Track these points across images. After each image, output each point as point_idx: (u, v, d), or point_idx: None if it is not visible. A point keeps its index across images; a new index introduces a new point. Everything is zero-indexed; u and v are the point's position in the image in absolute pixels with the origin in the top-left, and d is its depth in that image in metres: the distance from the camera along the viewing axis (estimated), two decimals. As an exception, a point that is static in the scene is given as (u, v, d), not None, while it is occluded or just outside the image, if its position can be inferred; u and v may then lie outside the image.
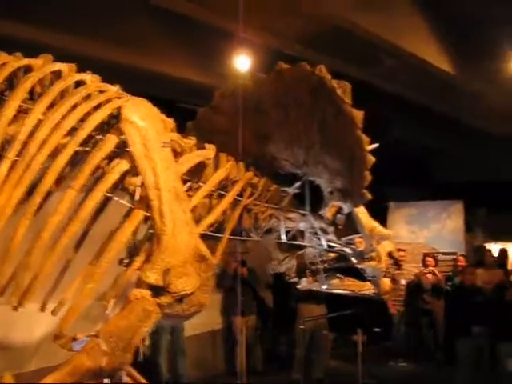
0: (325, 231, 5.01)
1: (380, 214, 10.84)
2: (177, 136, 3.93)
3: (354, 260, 4.94)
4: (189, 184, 4.03)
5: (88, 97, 3.56)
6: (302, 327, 9.15)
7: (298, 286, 5.34)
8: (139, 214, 3.51)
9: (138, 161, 3.46)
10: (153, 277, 3.45)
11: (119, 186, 3.64)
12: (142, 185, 3.50)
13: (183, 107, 7.95)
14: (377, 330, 10.62)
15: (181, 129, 4.23)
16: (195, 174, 4.07)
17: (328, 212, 5.04)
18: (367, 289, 5.25)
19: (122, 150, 3.53)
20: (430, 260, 10.25)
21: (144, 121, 3.55)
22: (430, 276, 10.16)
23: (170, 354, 8.79)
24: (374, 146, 5.98)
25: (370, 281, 5.06)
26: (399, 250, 10.41)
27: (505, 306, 7.60)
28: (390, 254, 5.53)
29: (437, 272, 10.21)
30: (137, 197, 3.59)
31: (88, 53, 6.80)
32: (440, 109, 9.31)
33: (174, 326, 8.88)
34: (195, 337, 9.57)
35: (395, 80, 8.37)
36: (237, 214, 4.23)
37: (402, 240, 11.25)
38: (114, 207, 3.76)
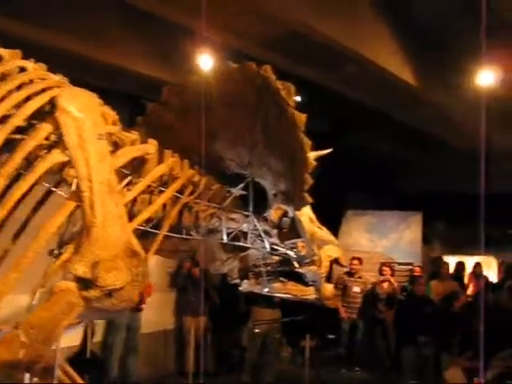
0: (268, 234, 5.03)
1: (338, 221, 11.03)
2: (117, 129, 3.93)
3: (295, 264, 4.96)
4: (129, 178, 4.04)
5: (26, 84, 3.54)
6: (256, 331, 9.20)
7: (240, 288, 5.34)
8: (70, 205, 3.50)
9: (72, 151, 3.45)
10: (81, 269, 3.44)
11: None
12: (77, 176, 3.49)
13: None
14: (330, 336, 10.74)
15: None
16: (137, 169, 4.09)
17: (273, 214, 5.07)
18: (309, 294, 5.28)
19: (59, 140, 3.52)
20: (386, 269, 10.40)
21: (81, 111, 3.52)
22: (385, 285, 10.30)
23: (122, 351, 8.76)
24: (327, 151, 6.08)
25: (311, 286, 5.09)
26: (354, 258, 10.57)
27: (451, 316, 7.74)
28: (336, 261, 5.60)
29: (393, 281, 10.35)
30: (73, 188, 3.58)
31: (48, 43, 6.76)
32: (402, 118, 9.44)
33: (131, 323, 8.86)
34: (148, 335, 9.56)
35: (355, 86, 8.47)
36: (175, 211, 4.24)
37: (361, 248, 11.37)
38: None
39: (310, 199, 4.37)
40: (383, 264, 10.59)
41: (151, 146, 4.11)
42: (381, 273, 10.49)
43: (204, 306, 9.57)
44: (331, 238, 5.58)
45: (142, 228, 4.12)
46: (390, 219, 11.55)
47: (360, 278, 10.63)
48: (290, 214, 4.97)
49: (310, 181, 4.17)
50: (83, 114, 3.53)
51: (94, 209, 3.45)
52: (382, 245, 11.51)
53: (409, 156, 11.09)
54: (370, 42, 7.40)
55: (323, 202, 9.49)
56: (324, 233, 5.48)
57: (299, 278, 5.38)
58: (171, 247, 5.17)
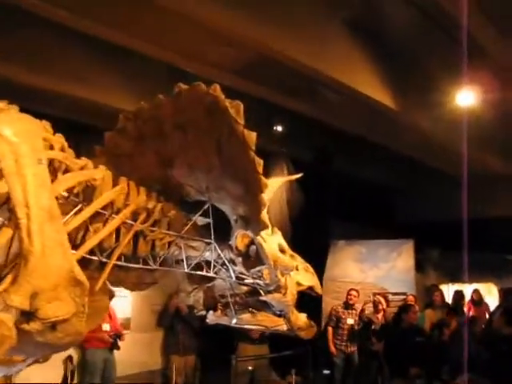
0: (233, 262, 4.90)
1: (324, 251, 10.88)
2: (62, 155, 3.87)
3: (262, 293, 4.82)
4: (80, 206, 3.95)
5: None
6: (249, 368, 8.99)
7: (207, 320, 5.19)
8: (7, 233, 3.40)
9: (7, 177, 3.37)
10: (17, 300, 3.31)
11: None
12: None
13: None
14: (325, 371, 10.48)
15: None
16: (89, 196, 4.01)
17: (239, 242, 4.94)
18: (281, 324, 5.13)
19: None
20: (379, 300, 10.18)
21: (17, 136, 3.46)
22: (380, 316, 10.08)
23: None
24: (296, 176, 6.01)
25: (279, 316, 4.94)
26: (353, 289, 10.37)
27: (442, 345, 7.52)
28: (310, 289, 5.44)
29: (386, 312, 10.13)
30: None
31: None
32: (384, 143, 9.37)
33: (106, 366, 8.65)
34: (134, 375, 9.35)
35: (334, 112, 8.45)
36: (126, 240, 4.12)
37: (352, 279, 11.18)
38: None
39: (267, 222, 4.24)
40: (376, 294, 10.39)
41: (98, 172, 4.04)
42: (374, 304, 10.28)
43: (192, 344, 9.35)
44: (305, 265, 5.44)
45: (94, 258, 4.02)
46: (381, 248, 11.38)
47: (354, 310, 10.41)
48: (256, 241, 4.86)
49: (264, 202, 4.07)
50: (20, 138, 3.47)
51: (31, 236, 3.34)
52: (373, 275, 11.31)
53: (395, 183, 10.98)
54: (343, 65, 7.39)
55: (308, 232, 9.47)
56: (297, 260, 5.35)
57: (270, 308, 5.25)
58: (134, 279, 5.05)
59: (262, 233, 4.79)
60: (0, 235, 3.39)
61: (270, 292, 4.78)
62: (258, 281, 4.95)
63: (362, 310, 10.22)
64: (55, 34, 6.55)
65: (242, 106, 3.88)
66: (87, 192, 4.07)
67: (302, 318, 5.17)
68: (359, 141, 9.24)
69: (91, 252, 4.15)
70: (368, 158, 9.88)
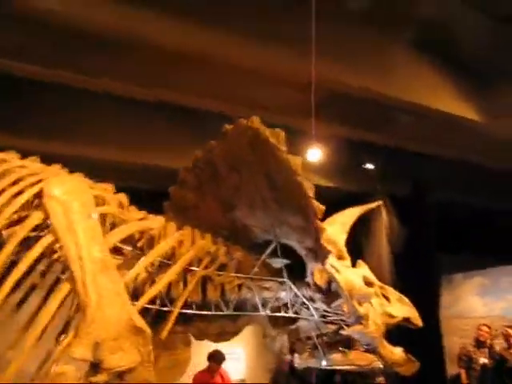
0: (312, 300, 4.73)
1: (434, 286, 10.19)
2: (115, 209, 4.02)
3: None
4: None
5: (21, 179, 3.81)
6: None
7: (295, 365, 4.99)
8: (64, 288, 3.53)
9: (59, 233, 3.54)
10: (78, 352, 3.40)
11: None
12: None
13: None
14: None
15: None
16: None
17: (318, 279, 4.79)
18: (376, 361, 4.81)
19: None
20: (510, 333, 9.30)
21: (67, 194, 3.66)
22: (515, 353, 9.18)
23: None
24: (376, 203, 5.77)
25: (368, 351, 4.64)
26: (484, 325, 9.59)
27: None
28: (407, 320, 5.11)
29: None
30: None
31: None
32: (483, 163, 8.80)
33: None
34: None
35: (421, 139, 8.12)
36: (190, 286, 4.12)
37: (477, 314, 10.36)
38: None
39: (329, 249, 4.07)
40: (506, 327, 9.50)
41: (155, 222, 4.14)
42: (505, 338, 9.40)
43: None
44: (398, 296, 5.13)
45: (154, 307, 4.05)
46: (503, 276, 10.50)
47: (487, 347, 9.58)
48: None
49: (322, 227, 3.92)
50: (69, 196, 3.66)
51: (86, 288, 3.45)
52: (498, 307, 10.41)
53: (502, 205, 10.17)
54: (417, 86, 7.14)
55: (416, 269, 8.98)
56: (387, 292, 5.07)
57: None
58: (217, 330, 5.02)
59: (337, 264, 4.62)
60: (58, 292, 3.53)
61: (348, 325, 4.52)
62: (341, 317, 4.74)
63: (491, 347, 9.40)
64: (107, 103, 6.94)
65: (282, 133, 3.85)
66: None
67: (397, 352, 4.81)
68: (454, 163, 8.77)
69: (162, 304, 4.22)
70: (467, 180, 9.31)
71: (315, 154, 8.23)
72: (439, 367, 9.85)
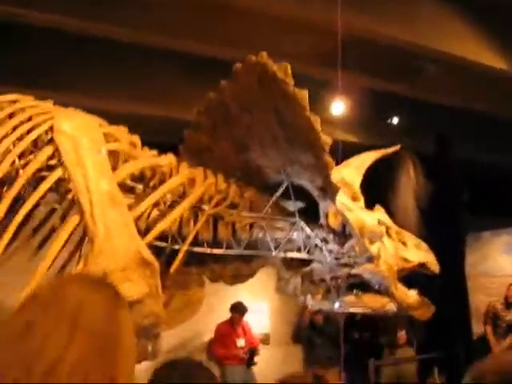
0: (325, 241, 4.73)
1: (460, 245, 10.03)
2: (126, 147, 4.06)
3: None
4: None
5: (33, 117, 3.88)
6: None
7: (308, 308, 5.01)
8: (73, 220, 3.60)
9: (69, 167, 3.61)
10: (87, 282, 3.47)
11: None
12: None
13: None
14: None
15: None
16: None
17: (333, 221, 4.77)
18: (389, 304, 4.80)
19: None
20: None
21: (77, 130, 3.72)
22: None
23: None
24: (394, 148, 5.68)
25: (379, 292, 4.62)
26: (512, 284, 9.44)
27: None
28: (422, 266, 5.06)
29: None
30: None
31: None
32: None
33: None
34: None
35: (447, 91, 7.90)
36: (200, 223, 4.15)
37: (503, 272, 10.20)
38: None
39: (338, 184, 4.04)
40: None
41: (164, 159, 4.16)
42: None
43: (331, 356, 9.07)
44: (416, 241, 5.08)
45: (166, 245, 4.11)
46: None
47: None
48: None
49: (330, 162, 3.89)
50: (79, 131, 3.71)
51: (94, 220, 3.52)
52: (528, 266, 10.24)
53: None
54: (445, 36, 6.93)
55: (442, 226, 8.84)
56: (404, 236, 5.02)
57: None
58: (232, 272, 5.08)
59: (350, 203, 4.57)
60: (67, 224, 3.61)
61: (359, 264, 4.50)
62: (355, 259, 4.72)
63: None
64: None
65: (288, 66, 3.80)
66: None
67: (411, 295, 4.78)
68: (482, 118, 8.54)
69: (174, 242, 4.27)
70: (496, 137, 9.06)
71: (339, 107, 8.13)
72: (465, 324, 9.79)
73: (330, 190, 4.19)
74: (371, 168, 5.37)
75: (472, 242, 10.49)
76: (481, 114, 8.57)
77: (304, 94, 3.78)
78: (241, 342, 8.56)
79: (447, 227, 9.22)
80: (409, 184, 9.79)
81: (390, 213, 5.26)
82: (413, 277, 5.12)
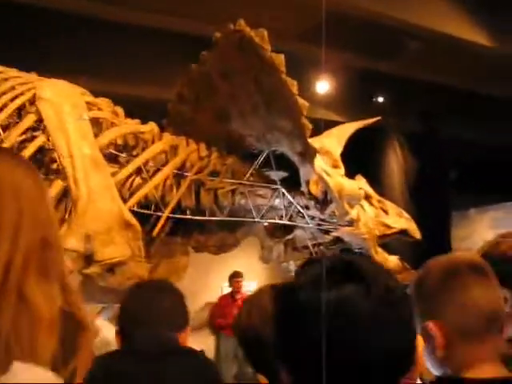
0: (306, 207, 4.83)
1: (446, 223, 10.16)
2: (107, 114, 4.15)
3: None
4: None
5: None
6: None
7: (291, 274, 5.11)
8: (57, 185, 3.69)
9: (51, 133, 3.69)
10: (71, 242, 3.57)
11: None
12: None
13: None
14: None
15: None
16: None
17: (314, 189, 4.88)
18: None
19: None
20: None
21: (59, 97, 3.80)
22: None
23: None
24: (374, 119, 5.79)
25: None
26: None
27: None
28: (404, 232, 5.18)
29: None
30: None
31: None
32: (499, 95, 8.60)
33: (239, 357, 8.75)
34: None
35: (432, 68, 7.96)
36: (181, 190, 4.24)
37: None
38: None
39: (315, 147, 4.13)
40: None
41: (146, 126, 4.25)
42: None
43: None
44: (398, 210, 5.20)
45: (149, 212, 4.20)
46: (518, 210, 10.43)
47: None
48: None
49: (308, 125, 3.97)
50: (61, 98, 3.80)
51: (77, 183, 3.61)
52: (513, 239, 10.33)
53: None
54: (426, 9, 7.01)
55: (427, 203, 8.94)
56: (386, 205, 5.15)
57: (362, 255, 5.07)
58: (216, 242, 5.18)
59: (330, 170, 4.68)
60: (52, 187, 3.69)
61: (339, 226, 4.61)
62: (334, 221, 4.84)
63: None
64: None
65: (265, 32, 3.88)
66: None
67: (392, 259, 4.90)
68: (466, 95, 8.61)
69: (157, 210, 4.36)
70: (482, 114, 9.14)
71: (322, 85, 8.21)
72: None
73: (308, 154, 4.28)
74: (357, 147, 5.50)
75: (459, 220, 10.62)
76: (466, 91, 8.64)
77: (281, 59, 3.86)
78: (239, 313, 8.61)
79: (433, 205, 9.33)
80: (395, 162, 9.93)
81: (376, 191, 5.38)
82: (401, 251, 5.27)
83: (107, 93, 5.14)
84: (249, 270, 9.28)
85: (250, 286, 9.73)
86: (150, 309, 1.66)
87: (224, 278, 9.10)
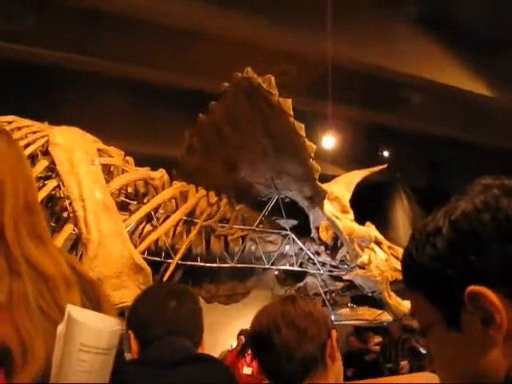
0: (317, 253, 4.80)
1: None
2: (119, 161, 4.19)
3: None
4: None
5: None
6: None
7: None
8: (67, 228, 3.70)
9: (63, 177, 3.73)
10: (81, 287, 3.52)
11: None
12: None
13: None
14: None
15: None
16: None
17: (324, 235, 4.86)
18: (383, 314, 4.84)
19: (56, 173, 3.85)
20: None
21: (70, 142, 3.86)
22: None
23: None
24: (381, 167, 5.82)
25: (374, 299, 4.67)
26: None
27: None
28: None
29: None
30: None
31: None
32: (501, 144, 8.67)
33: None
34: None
35: (434, 118, 8.08)
36: (192, 235, 4.24)
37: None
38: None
39: (324, 187, 4.14)
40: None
41: (156, 172, 4.29)
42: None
43: None
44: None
45: (159, 259, 4.17)
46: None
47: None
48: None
49: (316, 166, 4.00)
50: (73, 144, 3.86)
51: (88, 226, 3.61)
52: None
53: None
54: (425, 63, 7.16)
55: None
56: (396, 251, 5.10)
57: (375, 302, 5.00)
58: (226, 292, 5.12)
59: (339, 214, 4.68)
60: (62, 232, 3.69)
61: (350, 270, 4.56)
62: (345, 268, 4.79)
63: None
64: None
65: (272, 78, 3.97)
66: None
67: (406, 304, 4.82)
68: (472, 146, 8.69)
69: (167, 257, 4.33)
70: (486, 165, 9.17)
71: (327, 140, 8.30)
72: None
73: (317, 197, 4.29)
74: (366, 201, 5.53)
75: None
76: (470, 143, 8.73)
77: (288, 103, 3.93)
78: (247, 370, 8.40)
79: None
80: (403, 215, 9.90)
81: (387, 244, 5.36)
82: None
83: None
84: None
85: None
86: (170, 314, 1.63)
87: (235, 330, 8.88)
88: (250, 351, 8.57)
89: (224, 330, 8.79)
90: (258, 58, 6.81)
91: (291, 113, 3.93)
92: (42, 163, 3.83)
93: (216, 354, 9.28)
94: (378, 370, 8.60)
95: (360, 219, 5.01)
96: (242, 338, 8.63)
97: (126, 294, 3.66)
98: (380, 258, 4.61)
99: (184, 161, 5.18)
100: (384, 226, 9.68)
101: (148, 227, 4.33)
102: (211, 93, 6.56)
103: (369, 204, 6.30)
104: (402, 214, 9.66)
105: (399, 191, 9.72)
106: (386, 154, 9.13)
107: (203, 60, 6.54)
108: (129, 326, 1.66)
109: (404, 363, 8.60)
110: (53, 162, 3.81)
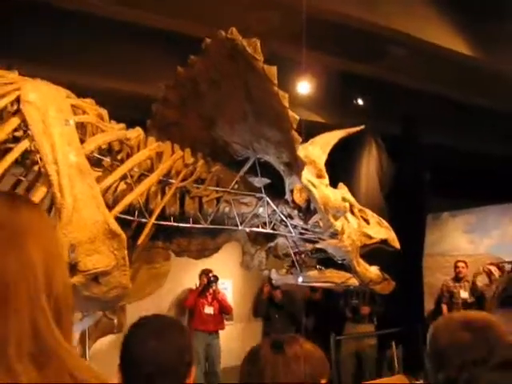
0: (290, 216, 4.81)
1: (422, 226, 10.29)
2: (94, 119, 4.04)
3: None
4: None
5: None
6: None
7: (273, 282, 5.11)
8: (40, 191, 3.58)
9: (36, 137, 3.58)
10: (54, 252, 3.46)
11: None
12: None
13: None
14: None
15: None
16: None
17: (298, 198, 4.85)
18: (351, 279, 4.93)
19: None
20: (490, 270, 9.45)
21: (43, 100, 3.68)
22: (494, 288, 9.37)
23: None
24: (358, 128, 5.78)
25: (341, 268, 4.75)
26: (459, 261, 9.83)
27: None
28: (384, 242, 5.19)
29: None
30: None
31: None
32: (477, 102, 8.70)
33: (209, 352, 8.74)
34: (232, 369, 9.39)
35: (416, 74, 8.01)
36: (167, 197, 4.17)
37: (461, 252, 10.53)
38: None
39: (304, 160, 4.11)
40: (491, 265, 9.65)
41: (132, 132, 4.16)
42: (489, 275, 9.55)
43: (291, 331, 9.24)
44: (378, 219, 5.21)
45: (133, 219, 4.11)
46: (491, 215, 10.59)
47: (467, 282, 9.77)
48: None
49: (297, 138, 3.94)
50: (46, 102, 3.68)
51: (62, 190, 3.51)
52: (484, 245, 10.55)
53: (496, 148, 10.02)
54: (411, 19, 7.02)
55: (404, 207, 9.05)
56: (367, 214, 5.14)
57: (342, 265, 5.08)
58: (197, 247, 5.12)
59: (315, 180, 4.66)
60: (34, 195, 3.58)
61: (323, 239, 4.61)
62: (318, 235, 4.82)
63: (474, 283, 9.57)
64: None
65: (258, 42, 3.82)
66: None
67: (372, 270, 4.92)
68: (446, 101, 8.70)
69: (141, 216, 4.27)
70: (457, 120, 9.26)
71: (304, 86, 8.17)
72: (419, 302, 10.11)
73: (295, 166, 4.25)
74: (335, 148, 5.49)
75: (432, 222, 10.77)
76: (445, 98, 8.72)
77: (273, 70, 3.81)
78: (209, 310, 8.62)
79: (409, 207, 9.44)
80: (372, 164, 9.99)
81: (353, 192, 5.39)
82: (374, 254, 5.28)
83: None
84: (224, 270, 9.28)
85: (225, 285, 9.75)
86: (154, 357, 1.61)
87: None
88: (211, 291, 8.78)
89: (188, 269, 8.90)
90: (239, 4, 6.58)
91: (275, 81, 3.82)
92: (13, 121, 3.65)
93: (179, 293, 9.46)
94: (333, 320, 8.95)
95: (330, 167, 5.00)
96: (204, 277, 8.77)
97: (99, 259, 3.63)
98: (352, 227, 4.65)
99: (159, 112, 5.04)
100: (352, 173, 9.83)
101: (122, 185, 4.24)
102: (190, 36, 6.40)
103: (339, 151, 6.27)
104: (371, 162, 9.72)
105: (370, 140, 9.74)
106: (360, 102, 9.08)
107: (185, 3, 6.27)
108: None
109: (365, 308, 8.97)
110: (24, 121, 3.64)
